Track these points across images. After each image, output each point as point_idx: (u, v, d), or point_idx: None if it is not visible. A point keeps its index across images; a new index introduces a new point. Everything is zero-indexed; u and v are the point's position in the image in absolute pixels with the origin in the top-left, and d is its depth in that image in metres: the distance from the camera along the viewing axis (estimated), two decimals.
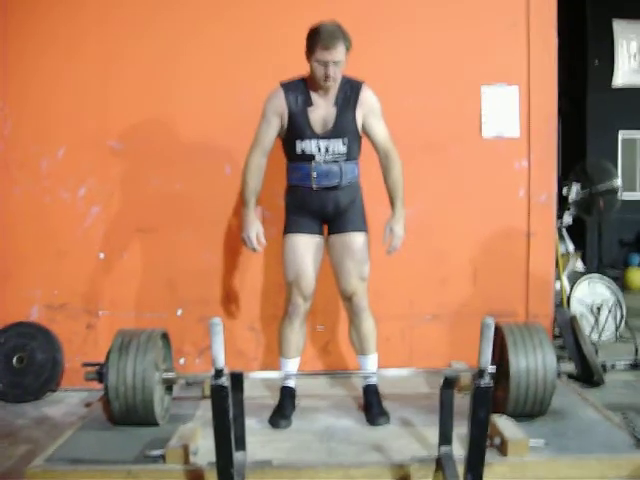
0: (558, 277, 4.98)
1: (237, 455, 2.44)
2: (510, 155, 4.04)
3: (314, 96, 3.13)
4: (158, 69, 4.01)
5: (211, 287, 4.03)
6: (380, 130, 3.21)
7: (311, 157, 3.13)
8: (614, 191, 5.65)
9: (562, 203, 5.46)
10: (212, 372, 2.30)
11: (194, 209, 4.01)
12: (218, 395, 2.28)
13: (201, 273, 4.02)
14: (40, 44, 4.03)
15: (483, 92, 4.01)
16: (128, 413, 3.02)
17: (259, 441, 2.88)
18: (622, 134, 9.82)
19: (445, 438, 2.55)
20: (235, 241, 3.98)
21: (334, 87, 3.11)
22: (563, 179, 5.91)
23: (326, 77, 3.01)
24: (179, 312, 4.03)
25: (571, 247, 5.86)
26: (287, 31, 3.97)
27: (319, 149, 3.13)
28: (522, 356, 3.00)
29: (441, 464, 2.51)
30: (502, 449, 2.68)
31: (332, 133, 3.13)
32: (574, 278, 5.39)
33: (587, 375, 4.05)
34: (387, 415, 3.15)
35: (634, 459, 2.66)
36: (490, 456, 2.55)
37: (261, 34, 4.00)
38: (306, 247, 3.21)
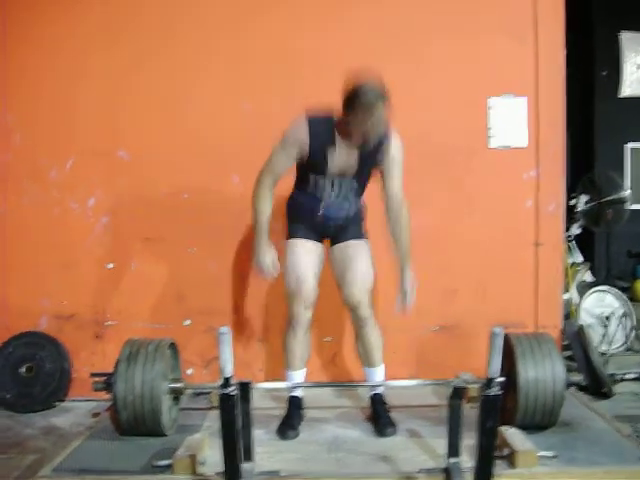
0: (567, 288, 4.96)
1: (245, 466, 2.44)
2: (518, 165, 4.04)
3: (339, 141, 3.03)
4: (166, 80, 4.03)
5: (219, 298, 4.03)
6: (396, 181, 3.15)
7: (323, 191, 3.15)
8: (622, 202, 5.64)
9: (570, 214, 5.44)
10: (220, 381, 2.30)
11: (202, 219, 4.02)
12: (226, 404, 2.28)
13: (209, 283, 4.02)
14: (48, 55, 4.06)
15: (491, 103, 4.02)
16: (136, 423, 3.02)
17: (267, 452, 2.87)
18: (630, 144, 9.80)
19: (453, 449, 2.54)
20: (243, 252, 4.00)
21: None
22: (571, 190, 5.90)
23: (365, 138, 2.95)
24: (187, 322, 4.03)
25: (580, 258, 5.84)
26: (295, 42, 4.01)
27: (332, 186, 3.14)
28: (531, 367, 2.98)
29: (449, 475, 2.50)
30: (511, 460, 2.67)
31: (350, 176, 3.14)
32: (583, 289, 5.37)
33: (596, 386, 4.02)
34: (395, 426, 3.14)
35: None
36: (499, 467, 2.54)
37: (269, 45, 4.01)
38: (307, 253, 3.21)
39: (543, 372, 2.98)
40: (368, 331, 3.24)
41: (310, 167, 3.10)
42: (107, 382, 3.08)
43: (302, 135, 3.02)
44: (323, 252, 3.30)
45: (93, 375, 3.18)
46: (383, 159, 3.10)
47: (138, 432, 3.05)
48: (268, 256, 3.14)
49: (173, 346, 3.30)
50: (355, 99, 2.87)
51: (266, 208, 3.14)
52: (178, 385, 3.22)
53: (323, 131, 3.01)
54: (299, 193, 3.22)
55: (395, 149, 3.12)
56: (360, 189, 3.21)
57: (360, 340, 3.28)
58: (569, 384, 3.06)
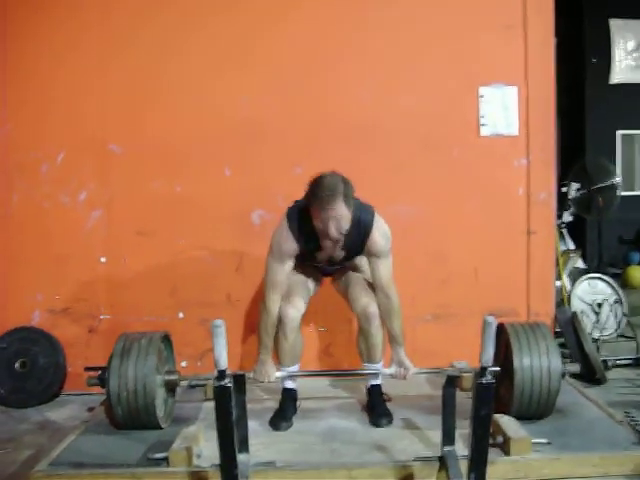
0: (559, 275, 4.99)
1: (240, 457, 2.45)
2: (509, 153, 4.05)
3: (323, 242, 2.97)
4: (157, 72, 4.01)
5: (212, 290, 4.03)
6: (384, 271, 3.10)
7: (316, 265, 3.26)
8: (613, 188, 5.66)
9: (562, 201, 5.46)
10: (215, 374, 2.30)
11: (194, 212, 4.01)
12: (221, 396, 2.28)
13: (202, 276, 4.02)
14: (38, 48, 4.03)
15: (481, 92, 4.02)
16: (131, 418, 3.03)
17: (262, 443, 2.88)
18: (620, 131, 9.82)
19: (448, 438, 2.56)
20: (236, 244, 3.99)
21: (341, 237, 2.93)
22: (562, 177, 5.92)
23: (328, 236, 2.86)
24: (180, 315, 4.03)
25: (571, 245, 5.87)
26: (286, 34, 4.00)
27: (325, 267, 3.26)
28: (527, 358, 2.99)
29: (444, 463, 2.52)
30: (505, 448, 2.69)
31: (339, 262, 3.21)
32: (575, 276, 5.39)
33: (589, 373, 4.05)
34: (390, 416, 3.16)
35: (637, 456, 2.67)
36: (493, 455, 2.56)
37: (261, 36, 4.00)
38: (302, 270, 3.27)
39: (539, 364, 2.98)
40: (374, 330, 3.22)
41: (301, 257, 3.12)
42: (100, 377, 3.09)
43: (290, 246, 3.01)
44: (320, 275, 3.37)
45: (87, 369, 3.18)
46: (367, 251, 3.08)
47: (133, 426, 3.06)
48: (267, 376, 3.12)
49: (167, 338, 3.31)
50: (313, 191, 2.85)
51: (274, 326, 3.13)
52: (172, 377, 3.23)
53: (307, 234, 2.97)
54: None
55: (378, 243, 3.03)
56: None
57: (363, 337, 3.27)
58: (565, 374, 3.08)
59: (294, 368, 3.31)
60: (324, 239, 2.93)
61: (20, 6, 4.01)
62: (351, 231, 2.92)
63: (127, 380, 2.98)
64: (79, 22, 4.02)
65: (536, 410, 3.04)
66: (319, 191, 2.81)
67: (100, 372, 3.11)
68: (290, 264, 3.08)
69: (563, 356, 4.10)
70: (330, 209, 2.78)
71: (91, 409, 3.69)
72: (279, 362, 3.28)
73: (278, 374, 3.16)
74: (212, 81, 4.01)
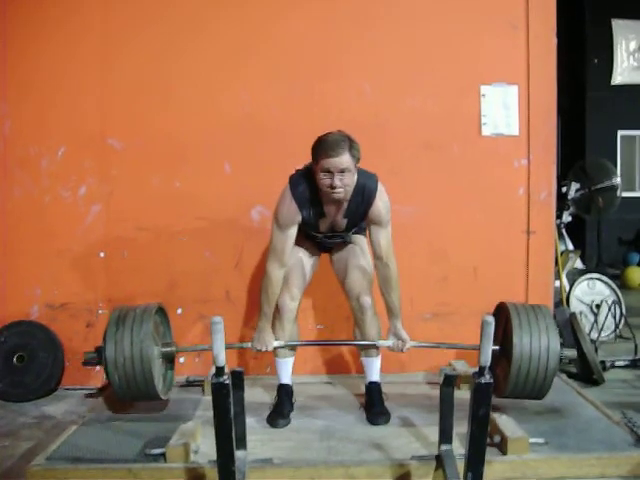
0: (558, 275, 4.99)
1: (238, 453, 2.45)
2: (510, 153, 4.04)
3: (327, 208, 3.04)
4: (157, 68, 4.00)
5: (211, 286, 4.03)
6: (384, 240, 3.09)
7: (317, 237, 3.23)
8: (613, 189, 5.66)
9: (561, 201, 5.47)
10: (213, 370, 2.31)
11: (194, 207, 4.01)
12: (219, 393, 2.28)
13: (201, 272, 4.01)
14: (39, 43, 4.02)
15: (483, 91, 4.02)
16: (129, 387, 3.02)
17: (259, 440, 2.89)
18: (621, 132, 9.83)
19: (445, 436, 2.56)
20: (235, 240, 4.00)
21: (345, 197, 2.97)
22: (562, 177, 5.92)
23: (332, 187, 2.86)
24: (179, 311, 4.02)
25: (571, 245, 5.87)
26: (287, 30, 4.00)
27: (325, 237, 3.23)
28: (526, 335, 2.97)
29: (441, 462, 2.52)
30: (502, 447, 2.70)
31: (340, 232, 3.20)
32: (574, 276, 5.40)
33: (587, 373, 4.05)
34: (388, 414, 3.16)
35: (633, 457, 2.67)
36: (490, 454, 2.56)
37: (261, 32, 4.00)
38: (300, 250, 3.27)
39: (538, 345, 2.97)
40: (368, 321, 3.25)
41: (302, 226, 3.12)
42: (97, 349, 3.08)
43: (294, 213, 3.03)
44: (318, 254, 3.36)
45: (86, 353, 3.18)
46: (369, 219, 3.09)
47: (132, 396, 3.06)
48: (265, 344, 3.15)
49: (162, 310, 3.31)
50: (318, 145, 2.89)
51: (274, 295, 3.14)
52: (169, 349, 3.24)
53: (310, 204, 3.02)
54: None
55: (380, 209, 3.05)
56: (352, 232, 3.26)
57: (360, 329, 3.29)
58: (562, 358, 3.07)
59: (290, 359, 3.33)
60: (327, 198, 2.96)
61: (21, 3, 4.01)
62: (354, 197, 2.98)
63: (123, 346, 2.98)
64: (80, 18, 4.01)
65: (531, 389, 3.03)
66: (325, 142, 2.85)
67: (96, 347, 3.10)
68: (293, 232, 3.07)
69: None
70: (336, 158, 2.82)
71: (90, 396, 3.69)
72: (275, 354, 3.30)
73: (276, 343, 3.18)
74: (213, 77, 4.01)
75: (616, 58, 9.60)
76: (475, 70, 4.02)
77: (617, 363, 4.31)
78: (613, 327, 4.87)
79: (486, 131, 4.04)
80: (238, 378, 2.46)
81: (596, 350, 4.30)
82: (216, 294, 4.03)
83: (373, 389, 3.29)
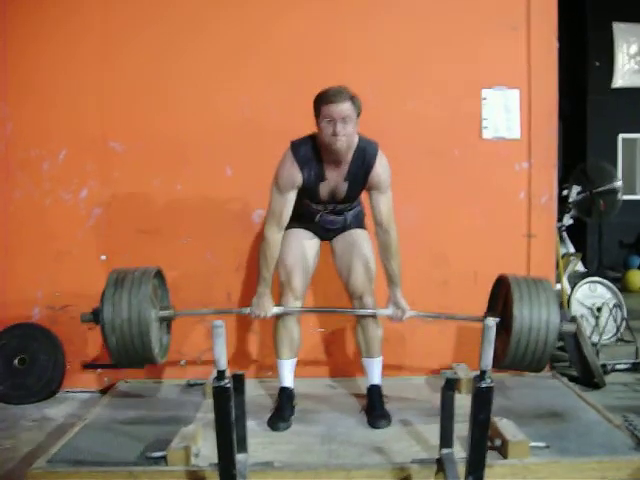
0: (559, 279, 4.98)
1: (239, 457, 2.45)
2: (511, 157, 4.05)
3: (327, 169, 3.06)
4: (157, 70, 4.01)
5: (212, 289, 4.03)
6: (384, 206, 3.11)
7: (317, 211, 3.21)
8: (614, 192, 5.66)
9: (562, 204, 5.46)
10: (214, 374, 2.31)
11: (195, 210, 4.02)
12: (220, 397, 2.28)
13: (202, 275, 4.02)
14: (39, 45, 4.03)
15: (484, 95, 4.02)
16: (125, 349, 3.01)
17: (260, 443, 2.88)
18: (622, 135, 9.83)
19: (446, 440, 2.55)
20: (236, 243, 4.00)
21: (346, 153, 3.00)
22: (563, 180, 5.92)
23: (334, 133, 2.89)
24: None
25: (572, 249, 5.86)
26: (287, 32, 4.01)
27: (326, 208, 3.20)
28: (527, 311, 2.97)
29: (442, 466, 2.51)
30: (503, 451, 2.69)
31: (340, 201, 3.18)
32: (575, 280, 5.39)
33: (588, 377, 4.05)
34: (389, 417, 3.16)
35: (634, 461, 2.67)
36: (491, 458, 2.56)
37: (261, 34, 4.01)
38: (301, 244, 3.25)
39: (538, 317, 2.96)
40: (370, 321, 3.26)
41: (303, 196, 3.14)
42: (94, 311, 3.07)
43: (294, 175, 3.04)
44: (318, 245, 3.33)
45: (83, 315, 3.17)
46: (369, 184, 3.09)
47: (128, 359, 3.06)
48: (264, 310, 3.16)
49: (160, 274, 3.31)
50: (320, 95, 2.94)
51: (273, 258, 3.14)
52: (167, 313, 3.25)
53: (312, 165, 3.04)
54: (295, 208, 3.20)
55: (380, 176, 3.07)
56: (353, 204, 3.26)
57: (361, 330, 3.30)
58: (562, 333, 3.07)
59: (292, 362, 3.32)
60: (329, 156, 3.00)
61: (21, 4, 4.01)
62: (355, 160, 3.02)
63: (121, 307, 2.97)
64: (80, 20, 4.02)
65: (530, 361, 3.02)
66: (327, 92, 2.92)
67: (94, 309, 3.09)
68: (293, 196, 3.08)
69: (562, 360, 4.13)
70: (338, 104, 2.87)
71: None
72: (277, 355, 3.30)
73: (275, 309, 3.18)
74: (214, 80, 4.02)
75: (617, 61, 9.61)
76: (476, 73, 4.03)
77: (618, 366, 4.31)
78: (614, 330, 4.86)
79: (487, 134, 4.04)
80: (239, 381, 2.45)
81: (597, 353, 4.29)
82: (217, 296, 4.02)
83: (374, 392, 3.29)
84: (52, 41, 4.03)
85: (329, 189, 3.12)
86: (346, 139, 2.93)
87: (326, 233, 3.34)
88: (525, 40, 4.00)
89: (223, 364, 2.28)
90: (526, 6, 4.00)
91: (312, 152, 3.04)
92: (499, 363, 3.06)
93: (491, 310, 3.29)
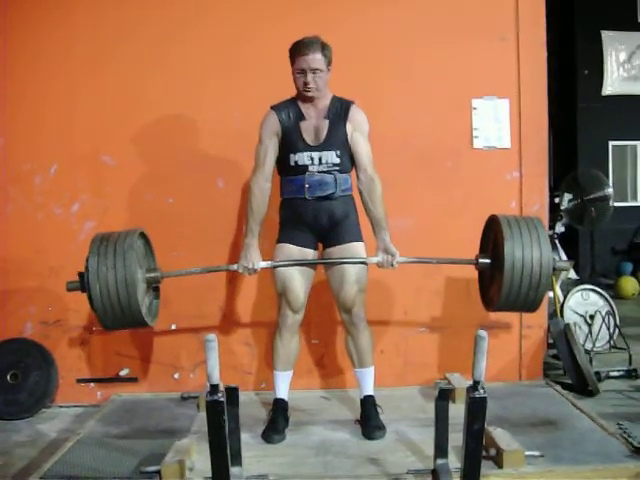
0: (551, 287, 4.99)
1: (233, 470, 2.45)
2: (502, 166, 4.07)
3: (305, 109, 3.18)
4: (150, 84, 4.01)
5: (205, 301, 4.02)
6: (365, 148, 3.20)
7: (304, 168, 3.15)
8: (606, 199, 5.67)
9: (554, 212, 5.48)
10: (208, 387, 2.30)
11: (187, 223, 4.01)
12: (214, 410, 2.28)
13: (195, 287, 4.00)
14: (31, 60, 4.03)
15: (474, 105, 4.04)
16: (114, 312, 2.95)
17: (254, 456, 2.88)
18: (612, 142, 9.88)
19: (441, 450, 2.55)
20: (228, 255, 3.99)
21: (321, 99, 3.16)
22: (555, 188, 5.94)
23: (305, 84, 3.08)
24: (173, 327, 4.02)
25: (564, 256, 5.88)
26: (278, 44, 3.99)
27: (312, 160, 3.15)
28: (518, 250, 2.95)
29: (437, 476, 2.51)
30: (498, 460, 2.69)
31: (325, 144, 3.15)
32: (567, 287, 5.40)
33: (582, 385, 4.05)
34: (383, 428, 3.16)
35: (629, 468, 2.68)
36: (486, 468, 2.56)
37: (252, 47, 4.01)
38: (295, 252, 3.21)
39: (530, 255, 2.95)
40: (360, 332, 3.25)
41: (287, 147, 3.17)
42: (80, 275, 3.02)
43: (273, 121, 3.18)
44: (314, 257, 3.29)
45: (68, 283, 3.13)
46: (349, 126, 3.18)
47: (117, 322, 3.00)
48: (256, 262, 3.15)
49: (143, 235, 3.28)
50: (293, 47, 3.12)
51: (259, 208, 3.17)
52: (153, 274, 3.22)
53: (289, 109, 3.19)
54: (285, 183, 3.23)
55: (359, 116, 3.21)
56: (341, 164, 3.18)
57: (352, 341, 3.29)
58: (555, 268, 3.05)
59: (288, 374, 3.31)
60: (304, 99, 3.16)
61: (12, 21, 4.02)
62: (333, 103, 3.20)
63: (107, 272, 2.91)
64: (70, 36, 4.03)
65: (524, 302, 3.02)
66: (299, 43, 3.10)
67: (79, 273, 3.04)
68: (275, 142, 3.18)
69: (555, 368, 4.13)
70: (309, 56, 3.05)
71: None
72: (274, 367, 3.29)
73: (263, 264, 3.16)
74: (204, 92, 4.02)
75: (606, 69, 9.66)
76: (466, 84, 4.04)
77: (612, 374, 4.31)
78: (607, 337, 4.86)
79: (478, 144, 4.06)
80: (233, 395, 2.45)
81: (590, 361, 4.30)
82: (210, 310, 4.02)
83: (368, 403, 3.28)
84: (42, 57, 4.03)
85: (311, 127, 3.16)
86: (316, 89, 3.10)
87: (319, 222, 3.21)
88: (514, 50, 4.02)
89: (216, 378, 2.28)
90: (515, 16, 4.02)
91: (290, 101, 3.22)
92: (494, 304, 3.07)
93: (483, 251, 3.31)
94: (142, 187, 4.02)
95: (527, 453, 2.70)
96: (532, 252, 2.95)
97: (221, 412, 2.28)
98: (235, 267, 3.20)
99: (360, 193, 3.19)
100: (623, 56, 9.68)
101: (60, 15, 4.04)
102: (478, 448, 2.33)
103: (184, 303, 4.00)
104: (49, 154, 4.03)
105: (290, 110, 3.18)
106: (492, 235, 3.20)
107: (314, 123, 3.17)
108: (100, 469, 2.78)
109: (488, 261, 3.21)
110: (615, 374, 4.32)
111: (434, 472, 2.55)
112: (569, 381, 4.20)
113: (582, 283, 5.51)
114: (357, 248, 3.23)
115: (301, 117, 3.17)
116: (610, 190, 5.69)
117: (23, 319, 4.05)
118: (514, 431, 2.91)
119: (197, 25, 4.03)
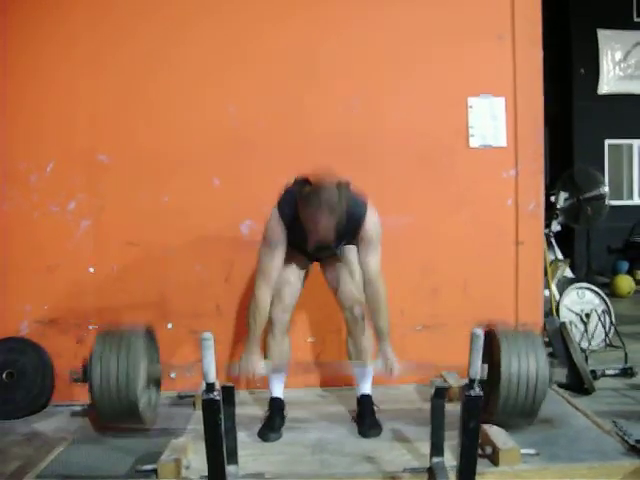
0: (547, 285, 5.00)
1: (229, 469, 2.44)
2: (498, 165, 4.07)
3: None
4: (147, 83, 4.00)
5: (201, 300, 4.02)
6: (373, 262, 3.07)
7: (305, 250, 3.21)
8: (601, 198, 5.69)
9: (550, 211, 5.49)
10: (203, 386, 2.30)
11: (183, 222, 4.00)
12: (210, 409, 2.28)
13: (191, 286, 4.00)
14: (28, 59, 4.02)
15: (470, 103, 4.04)
16: (113, 411, 3.00)
17: (251, 454, 2.88)
18: (608, 141, 9.89)
19: (437, 449, 2.55)
20: (225, 254, 3.99)
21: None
22: (551, 187, 5.95)
23: (313, 242, 2.97)
24: (169, 326, 4.02)
25: (560, 255, 5.89)
26: (276, 43, 4.01)
27: (316, 249, 3.17)
28: (515, 362, 2.96)
29: (433, 475, 2.51)
30: (494, 459, 2.70)
31: (329, 249, 3.19)
32: (563, 286, 5.41)
33: (577, 383, 4.06)
34: (380, 427, 3.16)
35: (625, 466, 2.68)
36: (482, 466, 2.56)
37: (249, 46, 4.01)
38: (289, 258, 3.22)
39: (526, 368, 2.95)
40: (361, 331, 3.26)
41: (291, 245, 3.13)
42: (84, 366, 3.06)
43: (281, 233, 3.03)
44: (309, 262, 3.33)
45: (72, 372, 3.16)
46: (358, 241, 3.08)
47: (116, 419, 3.05)
48: (252, 369, 3.06)
49: (149, 331, 3.29)
50: (306, 200, 2.85)
51: (262, 319, 3.10)
52: (155, 369, 3.24)
53: (297, 220, 2.96)
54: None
55: (369, 229, 3.04)
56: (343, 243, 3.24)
57: (353, 340, 3.30)
58: (552, 381, 3.06)
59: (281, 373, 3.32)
60: (309, 236, 2.97)
61: (12, 21, 4.01)
62: (343, 223, 2.92)
63: (109, 369, 2.95)
64: (69, 34, 4.01)
65: (520, 417, 3.02)
66: (311, 201, 2.81)
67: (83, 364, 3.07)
68: (281, 252, 3.06)
69: (552, 365, 4.13)
70: (318, 223, 2.82)
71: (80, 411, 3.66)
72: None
73: (263, 372, 3.12)
74: (201, 91, 4.01)
75: (602, 68, 9.68)
76: (462, 82, 4.04)
77: (607, 372, 4.32)
78: (603, 336, 4.88)
79: (474, 143, 4.06)
80: (229, 393, 2.45)
81: (586, 359, 4.30)
82: (207, 308, 4.02)
83: (364, 401, 3.29)
84: (41, 56, 4.01)
85: (317, 246, 3.08)
86: (327, 238, 2.92)
87: (317, 258, 3.36)
88: (510, 48, 4.03)
89: (212, 377, 2.28)
90: (511, 15, 4.02)
91: (296, 215, 2.97)
92: (492, 417, 3.03)
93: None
94: (138, 186, 4.01)
95: (523, 451, 2.71)
96: (529, 370, 2.95)
97: (217, 411, 2.28)
98: (236, 369, 3.10)
99: (365, 294, 3.14)
100: (619, 55, 9.70)
101: (60, 15, 4.03)
102: (474, 446, 2.33)
103: (181, 302, 4.00)
104: (45, 152, 4.01)
105: (297, 230, 2.99)
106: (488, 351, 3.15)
107: (320, 244, 3.06)
108: (96, 468, 2.77)
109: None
110: (611, 372, 4.32)
111: (430, 470, 2.55)
112: (565, 379, 4.21)
113: (578, 282, 5.53)
114: (350, 247, 3.28)
115: (307, 239, 3.02)
116: (606, 189, 5.71)
117: (19, 318, 4.03)
118: (510, 429, 2.91)
119: (195, 25, 4.02)
